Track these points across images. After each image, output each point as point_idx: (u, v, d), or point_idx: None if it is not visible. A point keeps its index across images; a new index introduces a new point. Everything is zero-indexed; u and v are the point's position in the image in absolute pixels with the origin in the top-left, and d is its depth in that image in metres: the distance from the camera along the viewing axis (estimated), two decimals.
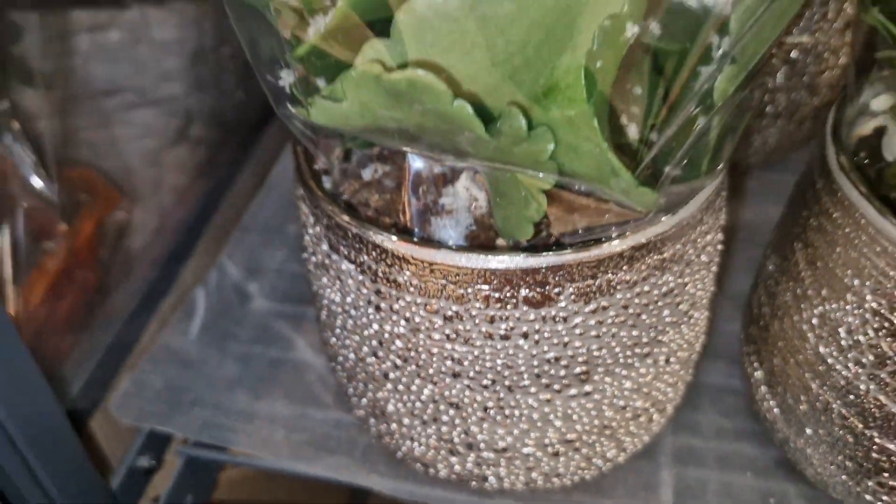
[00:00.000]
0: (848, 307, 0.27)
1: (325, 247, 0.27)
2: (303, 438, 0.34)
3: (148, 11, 0.48)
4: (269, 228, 0.45)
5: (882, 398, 0.27)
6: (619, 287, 0.24)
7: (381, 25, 0.19)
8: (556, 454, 0.29)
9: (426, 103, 0.18)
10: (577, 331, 0.25)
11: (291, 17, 0.21)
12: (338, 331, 0.29)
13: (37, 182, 0.37)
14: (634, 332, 0.26)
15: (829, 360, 0.28)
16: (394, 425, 0.30)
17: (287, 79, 0.22)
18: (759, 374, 0.33)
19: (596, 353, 0.26)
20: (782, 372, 0.31)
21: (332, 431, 0.34)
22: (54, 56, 0.44)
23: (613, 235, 0.23)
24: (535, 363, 0.25)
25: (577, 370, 0.26)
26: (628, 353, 0.26)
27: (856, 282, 0.26)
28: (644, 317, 0.26)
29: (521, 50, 0.18)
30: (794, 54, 0.41)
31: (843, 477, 0.30)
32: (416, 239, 0.24)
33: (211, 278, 0.42)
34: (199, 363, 0.37)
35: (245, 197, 0.50)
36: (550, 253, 0.23)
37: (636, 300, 0.25)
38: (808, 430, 0.30)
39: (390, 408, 0.29)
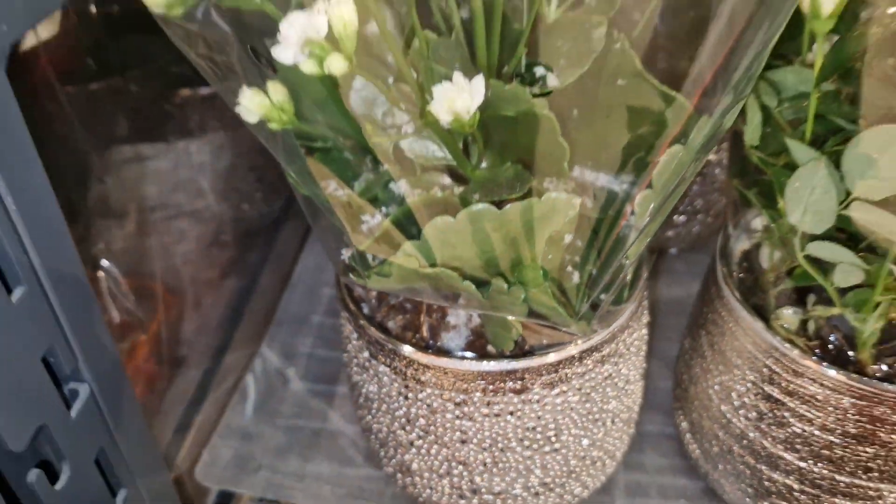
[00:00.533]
0: (736, 378, 0.38)
1: (365, 354, 0.37)
2: (343, 492, 0.44)
3: (191, 143, 0.58)
4: (298, 320, 0.56)
5: (764, 443, 0.38)
6: (573, 377, 0.35)
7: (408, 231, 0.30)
8: (537, 494, 0.40)
9: (445, 282, 0.29)
10: (547, 408, 0.36)
11: (347, 214, 0.32)
12: (374, 411, 0.40)
13: (122, 297, 0.48)
14: (587, 406, 0.37)
15: (728, 416, 0.39)
16: (416, 478, 0.41)
17: (346, 254, 0.33)
18: (684, 424, 0.44)
19: (561, 422, 0.36)
20: (699, 423, 0.42)
21: (366, 485, 0.45)
22: (119, 184, 0.55)
23: (567, 344, 0.34)
24: (519, 431, 0.36)
25: (549, 434, 0.37)
26: (584, 420, 0.37)
27: (739, 361, 0.38)
28: (593, 395, 0.37)
29: (500, 248, 0.29)
30: (705, 169, 0.53)
31: (748, 500, 0.41)
32: (431, 351, 0.35)
33: (256, 366, 0.52)
34: (257, 436, 0.47)
35: (272, 289, 0.60)
36: (525, 358, 0.34)
37: (586, 385, 0.36)
38: (720, 466, 0.42)
39: (414, 466, 0.40)
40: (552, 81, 0.31)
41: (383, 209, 0.31)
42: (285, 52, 0.23)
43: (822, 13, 0.27)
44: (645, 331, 0.39)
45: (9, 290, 0.25)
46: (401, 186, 0.30)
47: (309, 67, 0.23)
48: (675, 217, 0.56)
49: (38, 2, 0.26)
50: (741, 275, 0.39)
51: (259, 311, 0.58)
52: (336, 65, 0.23)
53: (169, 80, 0.55)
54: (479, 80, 0.25)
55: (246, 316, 0.58)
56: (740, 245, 0.40)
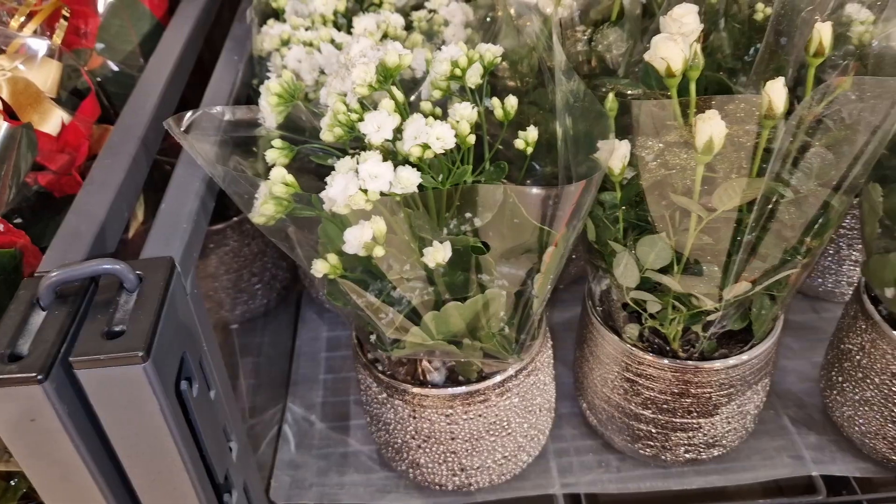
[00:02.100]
0: (608, 371, 0.63)
1: (383, 395, 0.59)
2: (373, 489, 0.66)
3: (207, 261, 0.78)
4: (309, 379, 0.77)
5: (630, 407, 0.63)
6: (513, 387, 0.58)
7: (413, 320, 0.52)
8: (501, 464, 0.63)
9: (439, 348, 0.52)
10: (501, 409, 0.59)
11: (372, 313, 0.54)
12: (391, 431, 0.61)
13: None
14: (524, 403, 0.60)
15: (608, 394, 0.64)
16: (424, 469, 0.63)
17: (372, 338, 0.55)
18: (584, 404, 0.68)
19: (510, 416, 0.60)
20: (592, 402, 0.67)
21: (386, 482, 0.67)
22: None
23: (508, 368, 0.57)
24: (486, 426, 0.59)
25: (504, 425, 0.60)
26: (524, 412, 0.61)
27: (608, 360, 0.62)
28: (527, 396, 0.60)
29: (465, 323, 0.52)
30: None
31: (629, 444, 0.65)
32: (427, 386, 0.57)
33: (288, 417, 0.73)
34: (302, 465, 0.68)
35: (280, 360, 0.81)
36: (484, 381, 0.57)
37: (522, 391, 0.59)
38: (609, 427, 0.66)
39: (422, 461, 0.62)
40: (477, 222, 0.54)
41: (393, 309, 0.53)
42: (351, 247, 0.46)
43: (616, 175, 0.52)
44: (550, 351, 0.63)
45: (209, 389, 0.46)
46: (406, 294, 0.52)
47: (363, 253, 0.46)
48: None
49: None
50: (601, 307, 0.63)
51: (275, 377, 0.79)
52: (378, 251, 0.46)
53: None
54: (447, 245, 0.47)
55: (265, 382, 0.79)
56: (599, 288, 0.65)
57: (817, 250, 0.54)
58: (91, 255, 0.43)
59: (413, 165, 0.47)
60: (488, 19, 0.67)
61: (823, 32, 0.48)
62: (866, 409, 0.63)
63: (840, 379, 0.66)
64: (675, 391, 0.59)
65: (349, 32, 0.65)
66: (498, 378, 0.57)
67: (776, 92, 0.46)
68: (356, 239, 0.46)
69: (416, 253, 0.49)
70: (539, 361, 0.60)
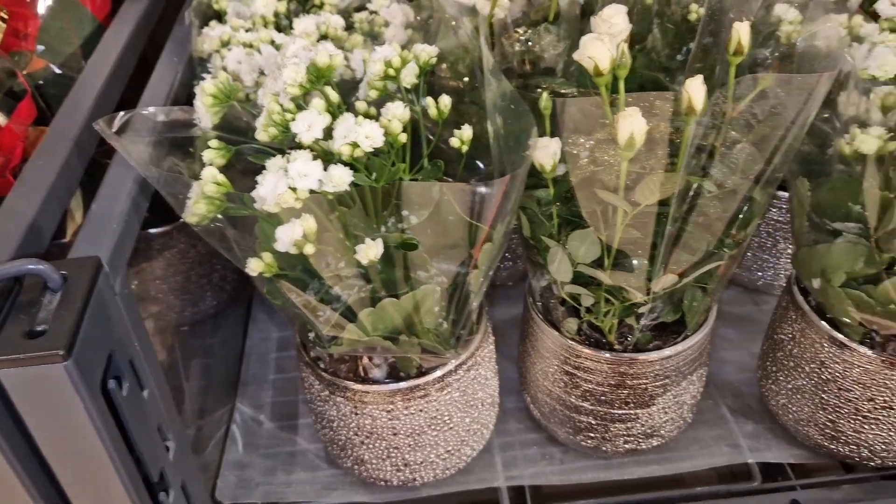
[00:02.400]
0: (548, 365, 0.64)
1: (325, 392, 0.60)
2: (317, 487, 0.66)
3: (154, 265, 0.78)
4: (258, 379, 0.77)
5: (570, 399, 0.64)
6: (453, 382, 0.59)
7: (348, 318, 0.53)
8: (445, 458, 0.63)
9: (375, 344, 0.52)
10: (442, 404, 0.59)
11: (309, 311, 0.54)
12: (335, 428, 0.62)
13: None
14: (465, 398, 0.61)
15: (549, 388, 0.65)
16: (368, 465, 0.63)
17: (311, 335, 0.55)
18: (528, 398, 0.69)
19: (451, 411, 0.60)
20: (535, 396, 0.68)
21: (332, 479, 0.67)
22: None
23: (447, 363, 0.58)
24: (428, 421, 0.60)
25: (446, 419, 0.61)
26: (465, 407, 0.62)
27: (548, 354, 0.63)
28: (468, 390, 0.61)
29: (401, 319, 0.52)
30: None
31: (571, 436, 0.67)
32: (368, 383, 0.58)
33: (237, 417, 0.73)
34: (250, 464, 0.68)
35: (230, 361, 0.81)
36: (424, 376, 0.58)
37: (462, 385, 0.60)
38: (552, 420, 0.67)
39: (366, 457, 0.63)
40: (413, 220, 0.55)
41: (330, 307, 0.54)
42: (282, 245, 0.46)
43: (548, 172, 0.53)
44: (492, 346, 0.64)
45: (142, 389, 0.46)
46: (343, 292, 0.53)
47: (294, 251, 0.46)
48: (506, 263, 0.82)
49: None
50: (540, 302, 0.65)
51: (224, 378, 0.79)
52: (309, 249, 0.46)
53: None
54: (379, 242, 0.48)
55: (215, 383, 0.79)
56: (539, 284, 0.66)
57: (743, 243, 0.55)
58: (18, 256, 0.43)
59: (347, 164, 0.48)
60: (430, 20, 0.68)
61: (742, 32, 0.50)
62: (799, 396, 0.65)
63: (774, 368, 0.68)
64: (612, 383, 0.61)
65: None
66: (437, 373, 0.58)
67: (695, 89, 0.47)
68: (287, 237, 0.46)
69: (350, 250, 0.50)
70: (479, 356, 0.61)
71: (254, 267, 0.50)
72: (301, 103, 0.51)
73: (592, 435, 0.65)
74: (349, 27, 0.69)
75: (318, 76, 0.50)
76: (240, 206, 0.49)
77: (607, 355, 0.60)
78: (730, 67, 0.52)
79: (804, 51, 0.60)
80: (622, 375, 0.60)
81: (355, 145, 0.47)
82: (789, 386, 0.66)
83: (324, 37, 0.65)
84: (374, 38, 0.70)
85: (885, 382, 0.59)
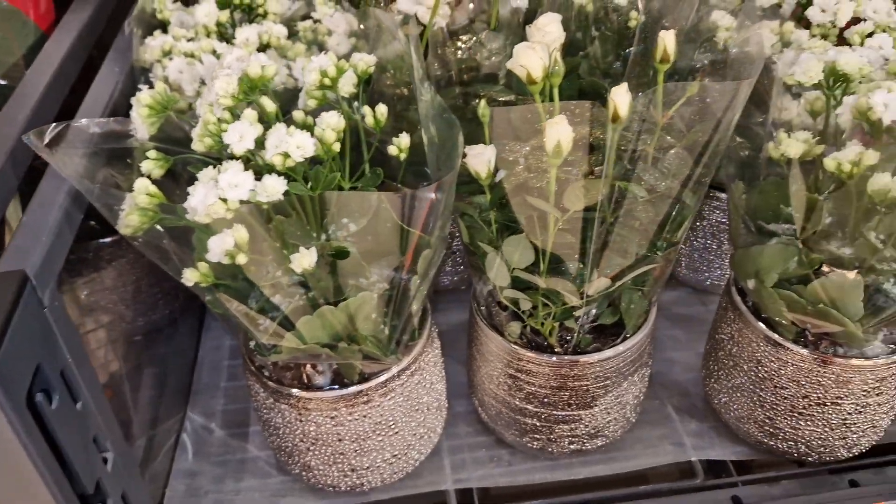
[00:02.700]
0: (493, 368, 0.65)
1: (270, 400, 0.60)
2: (267, 494, 0.67)
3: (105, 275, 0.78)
4: (210, 387, 0.77)
5: (515, 402, 0.65)
6: (396, 387, 0.60)
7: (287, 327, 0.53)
8: (391, 463, 0.64)
9: (314, 351, 0.53)
10: (386, 409, 0.60)
11: (248, 320, 0.55)
12: (281, 435, 0.62)
13: None
14: (409, 403, 0.62)
15: (494, 391, 0.66)
16: (315, 472, 0.64)
17: (252, 343, 0.56)
18: (476, 402, 0.70)
19: (396, 416, 0.61)
20: (483, 399, 0.68)
21: (282, 486, 0.67)
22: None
23: (390, 369, 0.59)
24: (372, 426, 0.60)
25: (391, 424, 0.61)
26: (410, 411, 0.62)
27: (492, 358, 0.64)
28: (412, 395, 0.62)
29: (340, 326, 0.53)
30: None
31: (518, 438, 0.68)
32: (311, 389, 0.59)
33: (187, 426, 0.73)
34: (200, 473, 0.69)
35: (182, 369, 0.81)
36: (366, 382, 0.58)
37: (406, 391, 0.61)
38: (499, 423, 0.68)
39: (312, 463, 0.63)
40: (352, 228, 0.55)
41: (269, 315, 0.54)
42: (214, 255, 0.47)
43: (484, 179, 0.54)
44: (437, 351, 0.65)
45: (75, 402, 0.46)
46: (277, 301, 0.54)
47: (227, 261, 0.47)
48: (458, 267, 0.83)
49: None
50: (484, 307, 0.65)
51: (176, 387, 0.79)
52: (241, 259, 0.47)
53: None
54: (313, 251, 0.49)
55: (167, 392, 0.79)
56: (484, 288, 0.67)
57: (676, 246, 0.57)
58: None
59: (281, 174, 0.48)
60: (374, 29, 0.68)
61: (667, 40, 0.51)
62: (738, 395, 0.67)
63: (716, 368, 0.69)
64: (554, 385, 0.62)
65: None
66: (380, 379, 0.59)
67: (620, 98, 0.48)
68: (218, 247, 0.47)
69: (286, 259, 0.50)
70: (423, 361, 0.62)
71: (189, 277, 0.50)
72: (239, 114, 0.52)
73: (538, 436, 0.66)
74: (293, 35, 0.69)
75: (251, 87, 0.51)
76: (174, 217, 0.49)
77: (548, 358, 0.61)
78: (658, 75, 0.53)
79: (735, 57, 0.62)
80: (563, 377, 0.61)
81: (286, 155, 0.47)
82: (729, 384, 0.67)
83: (266, 46, 0.65)
84: (320, 47, 0.70)
85: (818, 380, 0.61)
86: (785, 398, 0.63)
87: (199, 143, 0.50)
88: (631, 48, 0.70)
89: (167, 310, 0.83)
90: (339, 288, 0.54)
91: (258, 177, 0.48)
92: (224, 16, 0.67)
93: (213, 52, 0.64)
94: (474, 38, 0.69)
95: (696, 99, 0.52)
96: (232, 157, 0.50)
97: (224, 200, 0.46)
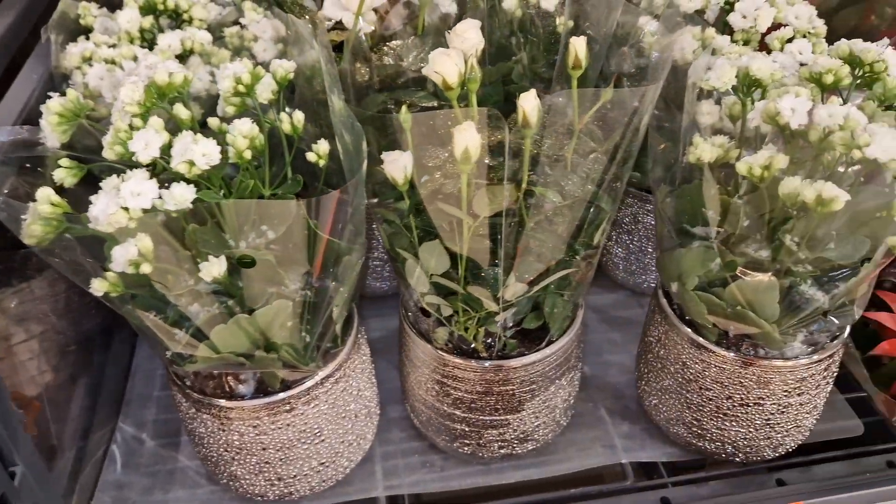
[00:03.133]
0: (421, 374, 0.64)
1: (193, 410, 0.60)
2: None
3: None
4: (143, 397, 0.76)
5: (443, 407, 0.65)
6: (321, 395, 0.59)
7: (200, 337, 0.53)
8: (319, 471, 0.64)
9: (229, 361, 0.52)
10: (310, 417, 0.60)
11: (162, 331, 0.54)
12: (206, 445, 0.62)
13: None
14: (335, 410, 0.61)
15: (423, 396, 0.66)
16: (242, 481, 0.63)
17: (168, 353, 0.55)
18: (408, 408, 0.70)
19: (322, 424, 0.61)
20: (414, 405, 0.68)
21: (212, 497, 0.67)
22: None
23: (313, 376, 0.58)
24: (297, 435, 0.60)
25: (316, 432, 0.61)
26: (337, 419, 0.62)
27: (420, 364, 0.64)
28: (338, 402, 0.61)
29: (256, 335, 0.53)
30: None
31: (449, 444, 0.68)
32: (233, 399, 0.58)
33: (118, 437, 0.72)
34: (128, 484, 0.68)
35: (116, 378, 0.80)
36: (289, 390, 0.58)
37: (331, 398, 0.60)
38: (431, 428, 0.68)
39: (238, 473, 0.62)
40: (271, 235, 0.55)
41: (184, 325, 0.54)
42: (117, 265, 0.46)
43: (401, 185, 0.54)
44: (366, 357, 0.65)
45: None
46: (193, 311, 0.53)
47: (131, 271, 0.46)
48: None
49: None
50: (411, 313, 0.65)
51: (109, 397, 0.78)
52: (146, 269, 0.46)
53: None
54: (223, 260, 0.48)
55: (99, 402, 0.78)
56: (411, 295, 0.67)
57: (595, 250, 0.57)
58: None
59: (192, 181, 0.48)
60: (295, 35, 0.68)
61: (578, 47, 0.52)
62: (667, 396, 0.67)
63: (646, 370, 0.70)
64: (480, 390, 0.62)
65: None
66: (302, 387, 0.58)
67: (528, 104, 0.49)
68: (122, 257, 0.46)
69: (196, 268, 0.50)
70: (349, 368, 0.62)
71: (97, 287, 0.49)
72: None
73: (468, 442, 0.66)
74: (220, 41, 0.69)
75: (161, 94, 0.50)
76: (79, 226, 0.48)
77: (473, 363, 0.61)
78: (571, 81, 0.53)
79: (656, 62, 0.62)
80: (489, 382, 0.61)
81: (191, 163, 0.47)
82: (658, 386, 0.68)
83: (190, 52, 0.65)
84: (251, 54, 0.70)
85: (741, 381, 0.61)
86: (710, 399, 0.64)
87: (110, 151, 0.50)
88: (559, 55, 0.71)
89: (100, 318, 0.82)
90: (248, 297, 0.54)
91: (164, 185, 0.47)
92: (147, 22, 0.66)
93: (135, 59, 0.63)
94: (402, 44, 0.69)
95: (608, 105, 0.53)
96: (140, 165, 0.49)
97: (126, 209, 0.45)
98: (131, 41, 0.66)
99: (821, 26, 0.69)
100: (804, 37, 0.68)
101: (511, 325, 0.60)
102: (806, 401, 0.63)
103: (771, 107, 0.53)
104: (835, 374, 0.64)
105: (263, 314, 0.52)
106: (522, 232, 0.53)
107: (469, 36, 0.55)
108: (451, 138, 0.54)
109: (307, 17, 0.69)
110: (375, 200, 0.60)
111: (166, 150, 0.48)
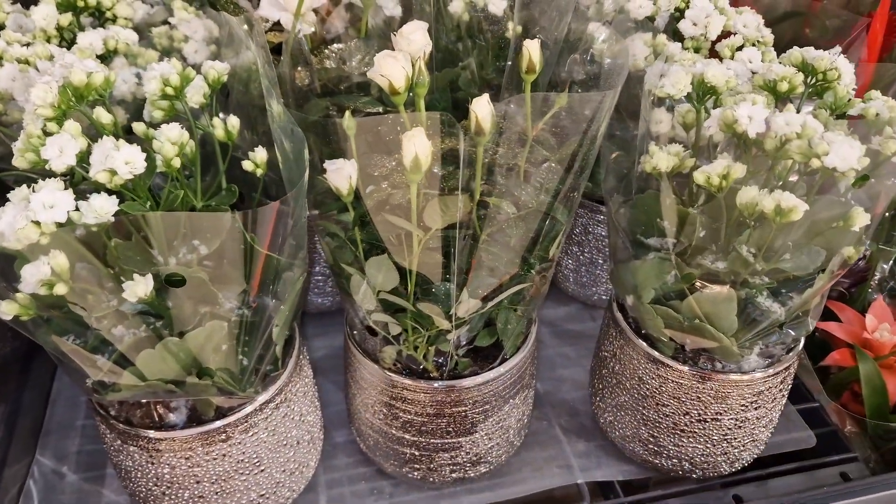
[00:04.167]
0: (367, 396, 0.61)
1: (118, 442, 0.55)
2: None
3: None
4: (64, 426, 0.70)
5: (391, 431, 0.61)
6: (259, 422, 0.55)
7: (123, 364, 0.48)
8: (261, 503, 0.59)
9: (157, 388, 0.48)
10: (248, 446, 0.55)
11: (82, 358, 0.49)
12: (133, 479, 0.57)
13: None
14: (276, 437, 0.57)
15: (370, 419, 0.62)
16: None
17: (89, 381, 0.50)
18: (354, 431, 0.66)
19: (260, 453, 0.56)
20: (360, 429, 0.65)
21: None
22: None
23: (251, 402, 0.54)
24: (234, 465, 0.55)
25: (255, 462, 0.57)
26: (277, 447, 0.58)
27: (366, 385, 0.60)
28: (279, 429, 0.57)
29: (187, 360, 0.48)
30: None
31: (398, 469, 0.64)
32: (162, 429, 0.53)
33: (35, 472, 0.66)
34: None
35: (34, 407, 0.73)
36: (224, 418, 0.53)
37: (270, 425, 0.56)
38: (378, 453, 0.64)
39: None
40: (203, 251, 0.51)
41: (106, 351, 0.49)
42: (28, 286, 0.41)
43: (345, 195, 0.50)
44: (309, 380, 0.61)
45: None
46: (117, 334, 0.48)
47: (44, 292, 0.41)
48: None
49: None
50: (356, 331, 0.62)
51: (27, 427, 0.71)
52: (60, 289, 0.41)
53: None
54: (149, 278, 0.44)
55: (16, 433, 0.71)
56: (357, 313, 0.63)
57: (549, 263, 0.55)
58: None
59: (113, 192, 0.44)
60: (230, 35, 0.64)
61: (531, 50, 0.49)
62: (623, 413, 0.65)
63: (601, 385, 0.67)
64: (431, 412, 0.59)
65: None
66: (239, 414, 0.54)
67: (481, 109, 0.46)
68: (32, 277, 0.41)
69: (119, 288, 0.45)
70: (290, 392, 0.57)
71: (5, 310, 0.44)
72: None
73: (418, 466, 0.63)
74: (147, 41, 0.64)
75: (78, 96, 0.46)
76: None
77: (423, 384, 0.57)
78: (524, 85, 0.51)
79: (608, 69, 0.60)
80: (440, 404, 0.58)
81: (113, 172, 0.42)
82: (614, 403, 0.66)
83: (114, 53, 0.60)
84: (181, 55, 0.65)
85: (698, 396, 0.60)
86: (667, 415, 0.62)
87: (21, 159, 0.45)
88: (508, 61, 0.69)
89: (17, 342, 0.76)
90: (188, 317, 0.50)
91: (85, 196, 0.43)
92: (65, 19, 0.61)
93: (51, 59, 0.58)
94: (345, 47, 0.66)
95: (562, 112, 0.51)
96: (55, 174, 0.44)
97: (37, 223, 0.41)
98: (47, 40, 0.61)
99: (768, 35, 0.69)
100: (753, 45, 0.67)
101: (464, 342, 0.57)
102: (762, 414, 0.62)
103: (728, 114, 0.52)
104: (790, 386, 0.63)
105: (195, 337, 0.47)
106: (476, 245, 0.50)
107: (416, 38, 0.52)
108: (399, 145, 0.51)
109: (243, 17, 0.65)
110: (317, 212, 0.56)
111: (84, 157, 0.44)
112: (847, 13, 0.88)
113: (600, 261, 0.81)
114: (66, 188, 0.42)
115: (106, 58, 0.59)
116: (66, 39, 0.63)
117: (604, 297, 0.83)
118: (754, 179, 0.54)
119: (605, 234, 0.78)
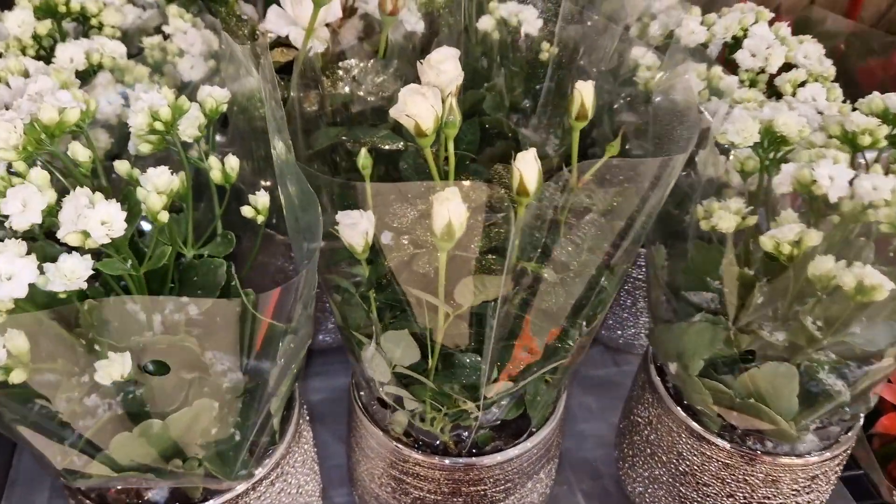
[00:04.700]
0: (374, 466, 0.54)
1: None
2: None
3: None
4: (32, 477, 0.63)
5: (383, 496, 0.54)
6: (254, 500, 0.48)
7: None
8: None
9: (131, 476, 0.41)
10: None
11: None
12: None
13: None
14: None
15: (375, 490, 0.55)
16: None
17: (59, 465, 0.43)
18: (356, 495, 0.59)
19: None
20: (363, 497, 0.58)
21: None
22: None
23: (243, 481, 0.47)
24: None
25: None
26: None
27: (373, 454, 0.53)
28: (283, 496, 0.50)
29: (170, 443, 0.41)
30: None
31: None
32: None
33: None
34: None
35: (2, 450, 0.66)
36: (213, 499, 0.46)
37: (269, 501, 0.49)
38: None
39: None
40: (193, 311, 0.44)
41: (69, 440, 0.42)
42: None
43: (360, 253, 0.43)
44: (308, 445, 0.54)
45: None
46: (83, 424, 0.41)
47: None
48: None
49: None
50: (362, 393, 0.55)
51: None
52: (17, 376, 0.34)
53: None
54: (126, 358, 0.37)
55: None
56: (367, 373, 0.56)
57: (589, 336, 0.48)
58: None
59: (87, 250, 0.36)
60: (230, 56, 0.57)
61: (585, 94, 0.42)
62: (656, 487, 0.59)
63: (631, 452, 0.61)
64: (446, 490, 0.52)
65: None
66: (230, 494, 0.47)
67: (527, 166, 0.39)
68: None
69: (91, 369, 0.38)
70: (288, 465, 0.51)
71: None
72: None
73: None
74: (137, 55, 0.56)
75: (49, 134, 0.38)
76: None
77: (439, 461, 0.51)
78: (573, 133, 0.44)
79: (659, 104, 0.53)
80: (457, 482, 0.51)
81: (86, 234, 0.35)
82: (647, 474, 0.59)
83: (98, 68, 0.53)
84: (176, 71, 0.58)
85: (745, 478, 0.53)
86: (708, 496, 0.55)
87: None
88: (542, 84, 0.61)
89: None
90: (172, 391, 0.43)
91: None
92: (44, 27, 0.54)
93: (26, 75, 0.50)
94: (360, 66, 0.58)
95: (613, 171, 0.43)
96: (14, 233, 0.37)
97: None
98: (23, 51, 0.53)
99: (830, 68, 0.62)
100: (815, 80, 0.60)
101: (489, 419, 0.50)
102: (814, 498, 0.55)
103: (805, 174, 0.45)
104: (843, 466, 0.57)
105: (178, 420, 0.40)
106: (520, 320, 0.43)
107: (447, 69, 0.45)
108: (427, 205, 0.44)
109: (245, 31, 0.58)
110: (322, 262, 0.49)
111: (53, 212, 0.36)
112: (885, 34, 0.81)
113: (628, 303, 0.74)
114: (27, 253, 0.35)
115: (89, 74, 0.52)
116: (45, 48, 0.55)
117: (629, 341, 0.77)
118: (827, 245, 0.47)
119: (635, 275, 0.71)
